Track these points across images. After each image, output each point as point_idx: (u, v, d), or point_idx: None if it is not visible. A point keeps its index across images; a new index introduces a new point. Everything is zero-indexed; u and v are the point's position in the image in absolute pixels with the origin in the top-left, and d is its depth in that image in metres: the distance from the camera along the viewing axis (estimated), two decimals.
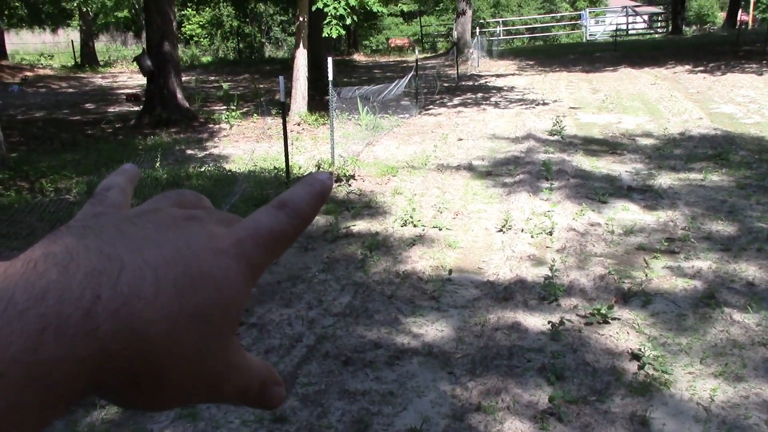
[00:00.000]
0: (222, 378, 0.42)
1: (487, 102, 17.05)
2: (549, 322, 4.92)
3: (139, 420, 4.03)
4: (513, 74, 23.95)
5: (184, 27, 38.04)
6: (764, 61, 22.52)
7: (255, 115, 15.62)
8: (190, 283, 0.39)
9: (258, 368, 0.45)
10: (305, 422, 3.91)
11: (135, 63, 16.06)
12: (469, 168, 9.94)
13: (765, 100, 15.50)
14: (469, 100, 17.48)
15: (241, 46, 38.16)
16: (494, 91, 19.15)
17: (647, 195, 8.45)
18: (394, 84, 14.05)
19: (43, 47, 40.25)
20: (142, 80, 18.24)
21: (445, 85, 20.97)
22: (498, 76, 23.46)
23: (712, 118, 13.72)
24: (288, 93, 15.19)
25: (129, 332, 0.36)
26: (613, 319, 5.10)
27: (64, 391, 0.35)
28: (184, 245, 0.41)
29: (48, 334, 0.34)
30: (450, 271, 6.04)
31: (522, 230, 7.07)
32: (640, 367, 4.38)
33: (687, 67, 22.62)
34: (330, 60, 10.07)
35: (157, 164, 9.98)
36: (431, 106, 16.50)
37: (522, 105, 16.22)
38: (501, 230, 7.17)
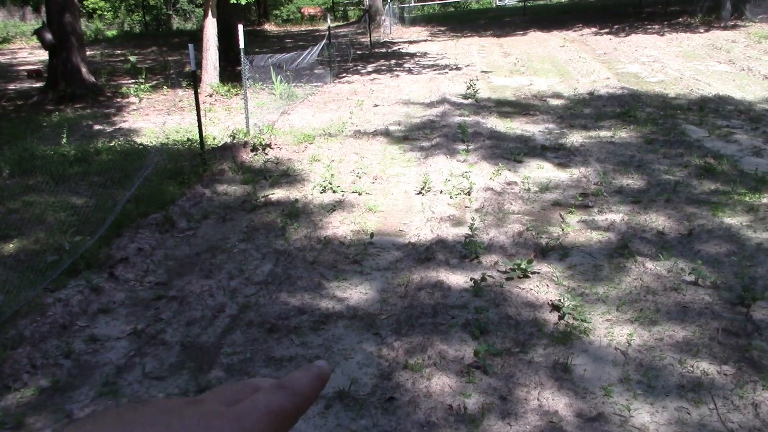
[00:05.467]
0: None
1: (401, 68, 17.03)
2: (471, 279, 4.98)
3: (57, 400, 3.87)
4: (426, 40, 23.98)
5: (86, 0, 36.47)
6: (665, 23, 23.25)
7: (165, 87, 15.16)
8: None
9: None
10: None
11: (36, 37, 15.29)
12: (386, 133, 9.92)
13: (667, 59, 16.02)
14: (383, 67, 17.41)
15: (147, 18, 36.86)
16: (407, 58, 19.13)
17: (560, 153, 8.63)
18: (306, 52, 13.85)
19: None
20: (44, 56, 17.39)
21: (359, 52, 20.82)
22: (411, 42, 23.44)
23: (619, 77, 14.10)
24: (199, 64, 14.81)
25: None
26: (533, 273, 5.20)
27: None
28: (176, 426, 0.44)
29: None
30: (371, 235, 6.03)
31: (441, 192, 7.11)
32: (560, 318, 4.49)
33: (594, 29, 23.14)
34: (240, 27, 9.82)
35: (64, 140, 9.56)
36: (345, 74, 16.36)
37: (435, 70, 16.27)
38: (420, 192, 7.20)
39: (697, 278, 4.95)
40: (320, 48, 14.48)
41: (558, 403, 3.62)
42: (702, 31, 20.78)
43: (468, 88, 12.53)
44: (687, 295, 4.76)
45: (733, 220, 6.15)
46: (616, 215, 6.35)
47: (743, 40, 18.37)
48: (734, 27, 20.69)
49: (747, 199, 6.62)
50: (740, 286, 4.72)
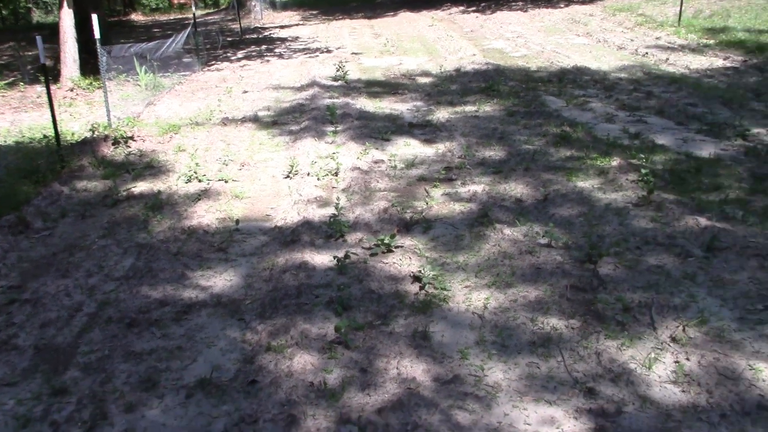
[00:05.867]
0: None
1: (272, 53, 16.85)
2: (334, 258, 5.01)
3: None
4: (297, 24, 23.82)
5: None
6: None
7: (22, 84, 14.39)
8: None
9: None
10: (88, 391, 3.72)
11: None
12: (255, 119, 9.81)
13: (530, 34, 16.58)
14: (253, 53, 17.18)
15: (4, 12, 34.83)
16: (279, 43, 18.95)
17: (427, 130, 8.80)
18: (171, 40, 13.47)
19: None
20: None
21: (229, 39, 20.45)
22: (282, 27, 23.22)
23: (485, 53, 14.48)
24: (58, 58, 14.13)
25: None
26: (397, 247, 5.30)
27: None
28: None
29: None
30: (237, 221, 5.97)
31: (308, 174, 7.12)
32: (421, 288, 4.60)
33: (461, 7, 23.64)
34: (95, 17, 9.43)
35: None
36: (215, 62, 16.03)
37: (306, 54, 16.20)
38: (288, 176, 7.18)
39: (550, 240, 5.18)
40: (185, 36, 14.12)
41: (416, 369, 3.72)
42: (562, 6, 21.62)
43: (337, 71, 12.55)
44: (540, 257, 4.97)
45: (585, 183, 6.46)
46: (478, 186, 6.54)
47: (600, 13, 19.24)
48: (592, 1, 21.63)
49: (599, 163, 6.96)
50: (588, 245, 4.98)
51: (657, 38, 15.08)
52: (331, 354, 3.91)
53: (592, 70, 12.00)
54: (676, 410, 3.29)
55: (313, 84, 12.00)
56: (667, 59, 12.62)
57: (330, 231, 5.62)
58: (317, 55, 15.76)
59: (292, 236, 5.57)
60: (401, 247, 5.32)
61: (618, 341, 3.88)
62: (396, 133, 8.62)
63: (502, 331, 4.09)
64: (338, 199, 6.20)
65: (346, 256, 4.97)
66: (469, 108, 9.74)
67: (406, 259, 5.10)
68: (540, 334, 4.02)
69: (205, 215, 6.22)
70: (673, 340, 3.85)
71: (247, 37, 20.99)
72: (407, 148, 8.01)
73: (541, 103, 9.71)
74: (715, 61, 12.27)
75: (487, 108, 9.65)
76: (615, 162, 6.91)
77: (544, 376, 3.64)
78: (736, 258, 4.78)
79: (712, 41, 13.91)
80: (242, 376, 3.79)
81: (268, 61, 15.67)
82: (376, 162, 7.44)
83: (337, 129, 8.76)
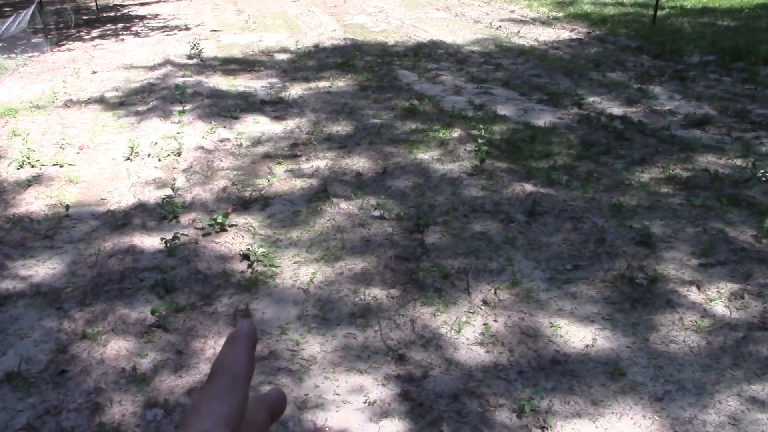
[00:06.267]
0: None
1: (129, 32, 16.19)
2: (162, 239, 4.91)
3: None
4: (158, 1, 22.96)
5: None
6: None
7: None
8: None
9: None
10: None
11: None
12: (101, 101, 9.42)
13: (391, 9, 16.70)
14: (109, 32, 16.44)
15: None
16: (137, 21, 18.23)
17: (278, 107, 8.72)
18: (11, 19, 12.71)
19: None
20: None
21: (85, 17, 19.48)
22: (142, 4, 22.34)
23: (345, 29, 14.47)
24: None
25: None
26: (231, 226, 5.24)
27: None
28: None
29: None
30: (67, 207, 5.74)
31: (149, 155, 6.91)
32: (249, 266, 4.58)
33: None
34: None
35: None
36: (67, 42, 15.23)
37: (165, 32, 15.67)
38: (129, 158, 6.95)
39: (382, 212, 5.26)
40: (29, 14, 13.37)
41: None
42: None
43: (192, 48, 12.22)
44: (372, 229, 5.05)
45: (425, 155, 6.59)
46: (322, 162, 6.55)
47: None
48: None
49: (441, 135, 7.12)
50: (417, 215, 5.09)
51: (511, 11, 15.53)
52: (148, 338, 3.84)
53: (447, 44, 12.22)
54: (478, 370, 3.43)
55: (166, 63, 11.63)
56: (519, 32, 13.02)
57: (164, 213, 5.49)
58: (175, 33, 15.28)
59: (124, 219, 5.41)
60: (235, 225, 5.27)
61: (433, 308, 4.00)
62: (246, 110, 8.50)
63: (324, 304, 4.13)
64: (173, 179, 6.06)
65: (175, 237, 4.88)
66: (323, 84, 9.72)
67: (239, 238, 5.06)
68: (361, 305, 4.09)
69: (34, 202, 5.94)
70: (485, 303, 4.01)
71: (105, 15, 20.07)
72: (256, 125, 7.92)
73: (394, 78, 9.81)
74: (563, 33, 12.77)
75: (341, 83, 9.66)
76: (456, 133, 7.09)
77: (359, 346, 3.71)
78: (553, 221, 5.02)
79: (561, 14, 14.47)
80: (53, 366, 3.67)
81: (123, 40, 15.05)
82: (221, 141, 7.32)
83: (185, 108, 8.55)
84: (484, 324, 3.81)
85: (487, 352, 3.58)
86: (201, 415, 0.45)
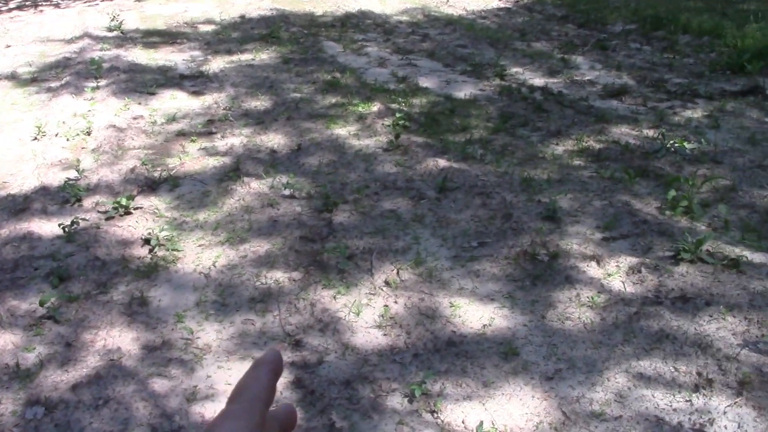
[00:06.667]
0: None
1: (49, 2, 15.59)
2: (60, 225, 4.73)
3: None
4: None
5: None
6: None
7: None
8: None
9: None
10: None
11: None
12: (12, 77, 9.04)
13: None
14: (28, 3, 15.81)
15: None
16: None
17: (198, 81, 8.49)
18: None
19: None
20: None
21: None
22: None
23: None
24: None
25: None
26: (136, 209, 5.09)
27: None
28: None
29: None
30: None
31: (57, 135, 6.66)
32: (151, 251, 4.45)
33: None
34: None
35: None
36: None
37: (87, 3, 15.12)
38: (35, 138, 6.68)
39: (292, 191, 5.17)
40: None
41: (125, 339, 3.60)
42: None
43: (112, 20, 11.80)
44: (281, 209, 4.96)
45: (342, 130, 6.49)
46: (237, 139, 6.41)
47: None
48: None
49: (360, 109, 7.02)
50: (326, 194, 5.01)
51: None
52: (37, 330, 3.70)
53: (376, 14, 12.07)
54: (374, 354, 3.40)
55: (84, 36, 11.22)
56: (448, 1, 12.92)
57: (66, 196, 5.30)
58: (97, 3, 14.75)
59: (23, 204, 5.20)
60: (141, 208, 5.11)
61: (334, 290, 3.95)
62: (164, 86, 8.25)
63: (225, 289, 4.04)
64: (77, 160, 5.85)
65: (74, 222, 4.71)
66: (246, 56, 9.49)
67: (143, 221, 4.91)
68: (262, 289, 4.01)
69: None
70: (387, 284, 3.97)
71: None
72: (173, 101, 7.69)
73: (319, 49, 9.64)
74: (491, 2, 12.72)
75: (264, 56, 9.45)
76: (375, 107, 7.00)
77: (257, 332, 3.64)
78: (463, 197, 5.00)
79: None
80: None
81: (42, 11, 14.48)
82: (135, 118, 7.09)
83: (100, 84, 8.25)
84: (384, 306, 3.77)
85: (385, 335, 3.54)
86: None
